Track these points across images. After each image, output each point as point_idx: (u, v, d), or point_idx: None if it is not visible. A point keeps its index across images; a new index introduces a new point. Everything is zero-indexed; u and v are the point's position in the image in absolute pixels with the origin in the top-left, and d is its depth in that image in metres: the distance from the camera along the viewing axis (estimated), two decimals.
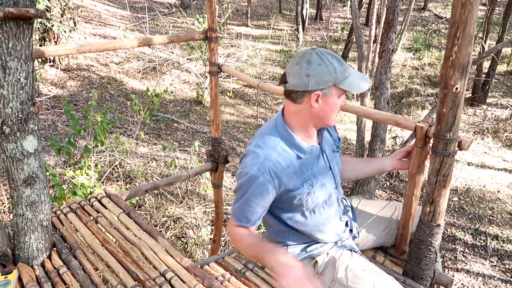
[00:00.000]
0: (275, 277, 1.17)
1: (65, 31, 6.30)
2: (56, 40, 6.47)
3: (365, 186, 4.25)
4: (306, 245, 1.49)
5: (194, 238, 3.79)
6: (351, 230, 1.59)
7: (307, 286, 1.13)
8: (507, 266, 3.93)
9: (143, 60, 7.92)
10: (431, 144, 1.40)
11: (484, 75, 7.49)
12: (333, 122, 1.37)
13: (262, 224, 1.56)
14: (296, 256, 1.47)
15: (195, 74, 7.78)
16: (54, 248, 1.66)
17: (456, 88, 1.24)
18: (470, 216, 4.66)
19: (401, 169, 1.61)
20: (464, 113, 7.32)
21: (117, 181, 4.08)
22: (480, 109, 7.44)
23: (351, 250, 1.49)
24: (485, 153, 6.14)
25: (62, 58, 6.76)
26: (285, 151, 1.33)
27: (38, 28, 6.13)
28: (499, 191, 5.12)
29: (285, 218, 1.43)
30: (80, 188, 2.98)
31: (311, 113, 1.31)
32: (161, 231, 3.71)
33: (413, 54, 10.13)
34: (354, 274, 1.38)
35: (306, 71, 1.24)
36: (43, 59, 6.42)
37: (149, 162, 4.51)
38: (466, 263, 3.98)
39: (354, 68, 7.90)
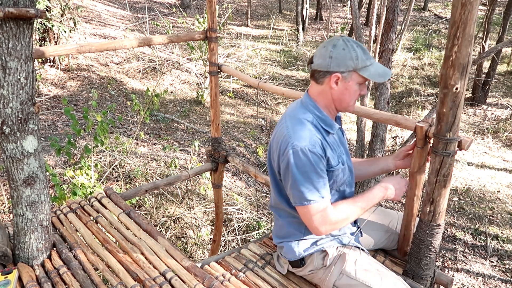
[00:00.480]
0: (391, 198, 1.49)
1: (65, 31, 6.30)
2: (56, 40, 6.47)
3: (365, 186, 4.25)
4: (317, 238, 1.50)
5: (194, 238, 3.79)
6: (358, 227, 1.61)
7: (404, 185, 1.51)
8: (507, 266, 3.93)
9: (143, 60, 7.92)
10: (431, 144, 1.40)
11: (484, 75, 7.49)
12: (352, 108, 1.44)
13: (273, 215, 1.58)
14: (306, 249, 1.49)
15: (195, 74, 7.78)
16: (54, 248, 1.66)
17: (456, 88, 1.24)
18: (470, 216, 4.66)
19: (403, 168, 1.65)
20: (464, 113, 7.32)
21: (117, 181, 4.08)
22: (480, 109, 7.44)
23: (359, 248, 1.51)
24: (485, 153, 6.14)
25: (62, 58, 6.75)
26: (318, 128, 1.39)
27: (38, 28, 6.13)
28: (499, 191, 5.12)
29: None
30: (80, 188, 2.97)
31: (331, 94, 1.39)
32: (161, 231, 3.71)
33: (413, 54, 10.13)
34: (362, 269, 1.41)
35: (330, 53, 1.34)
36: (43, 59, 6.42)
37: (149, 162, 4.51)
38: (466, 263, 3.98)
39: None
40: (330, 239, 1.50)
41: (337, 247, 1.49)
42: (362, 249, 1.53)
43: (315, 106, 1.41)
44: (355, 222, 1.61)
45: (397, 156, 1.62)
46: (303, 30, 11.81)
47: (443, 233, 3.34)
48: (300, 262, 1.52)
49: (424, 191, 1.48)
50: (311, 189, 1.32)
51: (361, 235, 1.65)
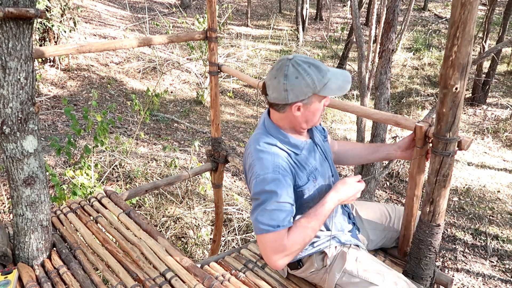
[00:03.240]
0: (348, 203, 1.37)
1: (65, 31, 6.30)
2: (56, 40, 6.47)
3: (365, 186, 4.24)
4: (313, 240, 1.49)
5: (194, 238, 3.79)
6: (354, 223, 1.61)
7: (356, 187, 1.35)
8: (507, 266, 3.93)
9: (143, 60, 7.92)
10: (431, 144, 1.40)
11: (484, 75, 7.49)
12: (318, 122, 1.41)
13: None
14: (303, 250, 1.48)
15: (195, 74, 7.78)
16: (54, 248, 1.66)
17: (456, 88, 1.24)
18: (470, 216, 4.66)
19: (404, 159, 1.62)
20: (464, 113, 7.32)
21: (117, 181, 4.08)
22: (480, 109, 7.44)
23: (357, 246, 1.51)
24: (485, 153, 6.14)
25: (62, 58, 6.76)
26: (284, 150, 1.36)
27: (38, 28, 6.13)
28: (499, 191, 5.12)
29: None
30: (80, 188, 2.97)
31: (295, 119, 1.35)
32: (161, 231, 3.71)
33: (413, 54, 10.13)
34: (364, 266, 1.40)
35: (284, 86, 1.27)
36: (43, 59, 6.42)
37: (149, 162, 4.51)
38: (466, 263, 3.98)
39: (354, 68, 7.91)
40: (327, 239, 1.49)
41: (336, 246, 1.49)
42: (362, 247, 1.52)
43: (277, 130, 1.38)
44: (349, 218, 1.60)
45: (399, 147, 1.60)
46: (303, 30, 11.81)
47: (443, 233, 3.34)
48: (298, 264, 1.52)
49: (424, 191, 1.48)
50: (266, 219, 1.26)
51: (359, 232, 1.65)
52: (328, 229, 1.50)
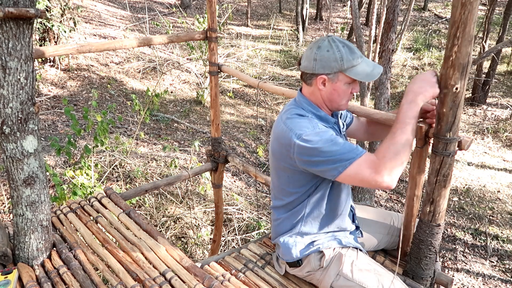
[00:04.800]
0: (430, 97, 1.26)
1: (65, 31, 6.30)
2: (56, 40, 6.47)
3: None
4: (314, 237, 1.50)
5: (194, 238, 3.79)
6: (358, 227, 1.61)
7: (426, 75, 1.28)
8: (507, 266, 3.93)
9: (143, 60, 7.92)
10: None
11: (484, 75, 7.49)
12: (344, 107, 1.44)
13: (273, 212, 1.57)
14: (302, 250, 1.49)
15: (195, 74, 7.78)
16: (54, 248, 1.66)
17: (456, 88, 1.24)
18: (470, 216, 4.66)
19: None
20: (464, 113, 7.32)
21: (117, 181, 4.08)
22: (480, 109, 7.44)
23: (356, 249, 1.51)
24: (485, 153, 6.14)
25: (62, 58, 6.75)
26: (316, 121, 1.39)
27: (38, 28, 6.13)
28: (499, 191, 5.12)
29: (311, 195, 1.44)
30: (80, 188, 2.97)
31: (321, 95, 1.40)
32: (161, 231, 3.71)
33: (413, 54, 10.13)
34: (359, 270, 1.40)
35: (314, 56, 1.34)
36: (43, 59, 6.42)
37: (149, 162, 4.51)
38: (466, 263, 3.98)
39: None
40: (328, 240, 1.49)
41: (334, 248, 1.48)
42: (360, 250, 1.52)
43: (309, 103, 1.43)
44: (353, 221, 1.60)
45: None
46: (303, 30, 11.81)
47: (443, 233, 3.34)
48: (297, 263, 1.52)
49: (424, 191, 1.48)
50: (342, 151, 1.24)
51: (361, 235, 1.65)
52: (334, 231, 1.50)
